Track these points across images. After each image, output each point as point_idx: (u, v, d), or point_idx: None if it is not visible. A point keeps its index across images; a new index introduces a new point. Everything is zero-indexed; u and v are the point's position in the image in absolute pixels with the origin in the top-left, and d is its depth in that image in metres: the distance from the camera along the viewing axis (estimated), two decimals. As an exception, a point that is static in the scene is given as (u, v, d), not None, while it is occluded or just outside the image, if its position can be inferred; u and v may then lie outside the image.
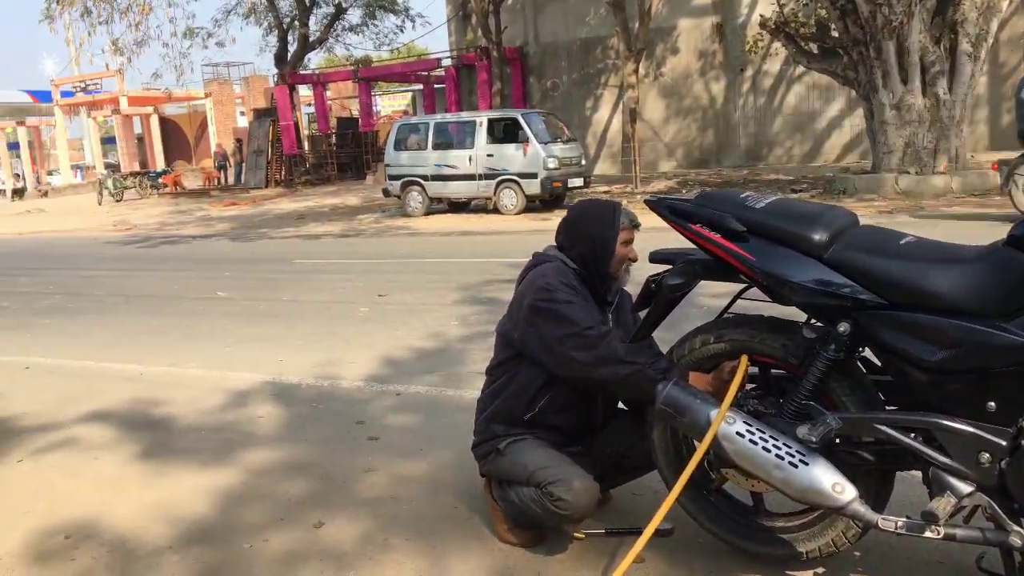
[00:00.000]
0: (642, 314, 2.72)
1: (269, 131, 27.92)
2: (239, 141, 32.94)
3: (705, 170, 21.30)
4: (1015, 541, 2.04)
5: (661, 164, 22.60)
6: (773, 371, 2.54)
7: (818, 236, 2.26)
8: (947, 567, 2.55)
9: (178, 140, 44.35)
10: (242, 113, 41.06)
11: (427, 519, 3.12)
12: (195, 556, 2.94)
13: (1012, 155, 10.59)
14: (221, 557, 2.92)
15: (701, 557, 2.72)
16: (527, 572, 2.71)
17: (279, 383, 5.07)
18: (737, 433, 2.32)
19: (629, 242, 2.85)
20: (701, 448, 2.36)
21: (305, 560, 2.87)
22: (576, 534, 2.89)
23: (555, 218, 14.22)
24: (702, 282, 2.58)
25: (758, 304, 2.56)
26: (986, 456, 2.08)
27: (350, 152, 29.04)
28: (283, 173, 28.24)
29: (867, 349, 2.37)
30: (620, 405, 3.01)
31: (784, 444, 2.28)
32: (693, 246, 2.55)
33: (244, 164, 30.19)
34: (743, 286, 2.59)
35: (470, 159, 15.55)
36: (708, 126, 22.30)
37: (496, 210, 15.42)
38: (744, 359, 2.43)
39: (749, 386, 2.62)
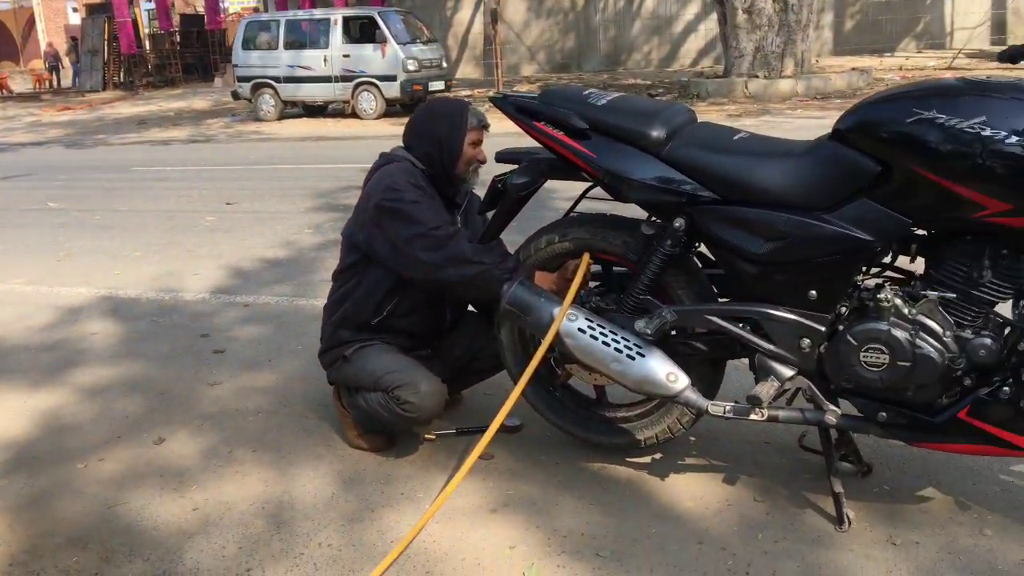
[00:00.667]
0: (490, 215, 2.70)
1: (104, 28, 25.77)
2: (73, 40, 30.31)
3: (566, 74, 21.29)
4: (830, 419, 2.17)
5: (523, 68, 22.41)
6: (615, 268, 2.58)
7: (656, 133, 2.27)
8: (772, 447, 2.71)
9: (3, 39, 40.41)
10: (74, 9, 37.65)
11: (274, 430, 3.05)
12: (24, 481, 2.78)
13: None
14: (52, 480, 2.77)
15: (547, 450, 2.79)
16: (377, 475, 2.71)
17: (115, 297, 4.80)
18: (579, 329, 2.35)
19: (478, 143, 2.78)
20: (543, 345, 2.38)
21: (143, 477, 2.76)
22: (426, 435, 2.90)
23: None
24: (555, 183, 2.57)
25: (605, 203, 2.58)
26: (807, 342, 2.19)
27: (196, 52, 27.30)
28: (122, 75, 26.30)
29: (702, 244, 2.44)
30: (469, 307, 3.01)
31: (623, 338, 2.33)
32: (539, 145, 2.52)
33: (79, 65, 27.86)
34: (587, 186, 2.60)
35: (325, 60, 14.90)
36: (569, 29, 22.18)
37: (355, 114, 14.93)
38: (586, 257, 2.44)
39: (593, 284, 2.66)
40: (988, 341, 2.00)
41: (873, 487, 2.45)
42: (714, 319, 2.28)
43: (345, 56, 14.81)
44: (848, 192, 2.07)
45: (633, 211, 2.38)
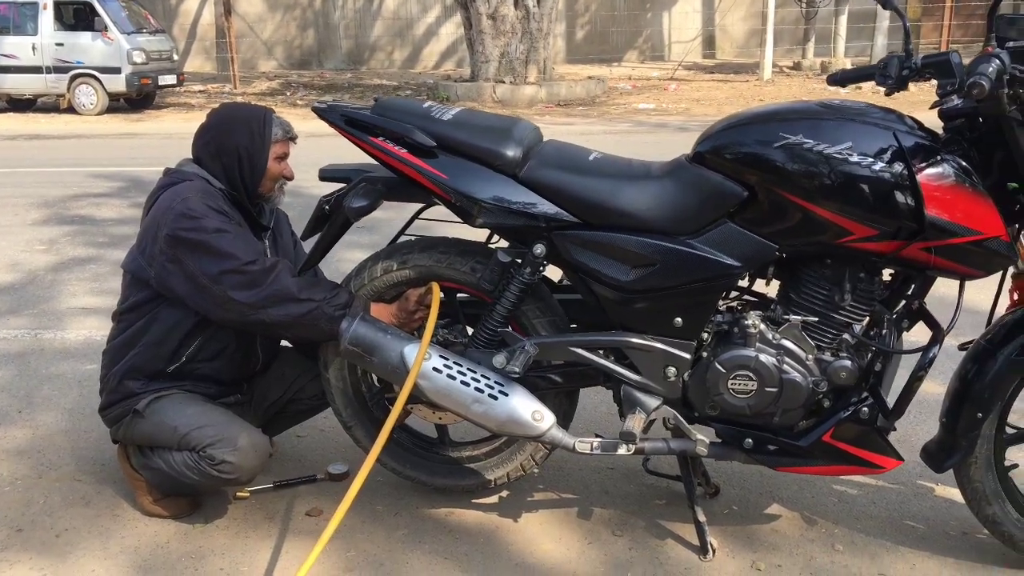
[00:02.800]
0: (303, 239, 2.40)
1: None
2: None
3: (307, 71, 20.52)
4: (700, 450, 2.12)
5: (260, 63, 21.30)
6: (459, 296, 2.37)
7: (511, 152, 2.09)
8: (618, 472, 2.64)
9: None
10: None
11: (41, 502, 2.51)
12: None
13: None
14: None
15: (382, 499, 2.52)
16: (185, 549, 2.30)
17: None
18: (434, 369, 2.11)
19: (284, 157, 2.45)
20: (405, 389, 2.11)
21: None
22: (239, 493, 2.52)
23: (147, 119, 12.76)
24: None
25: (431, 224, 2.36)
26: (672, 370, 2.12)
27: None
28: None
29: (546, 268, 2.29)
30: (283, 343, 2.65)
31: (483, 376, 2.13)
32: (368, 161, 2.25)
33: None
34: (420, 206, 2.37)
35: (34, 48, 13.14)
36: (308, 26, 21.40)
37: (72, 109, 13.33)
38: (435, 287, 2.21)
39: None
40: (848, 363, 2.04)
41: (723, 508, 2.45)
42: (579, 351, 2.14)
43: (58, 44, 13.15)
44: (713, 217, 2.02)
45: (471, 233, 2.19)
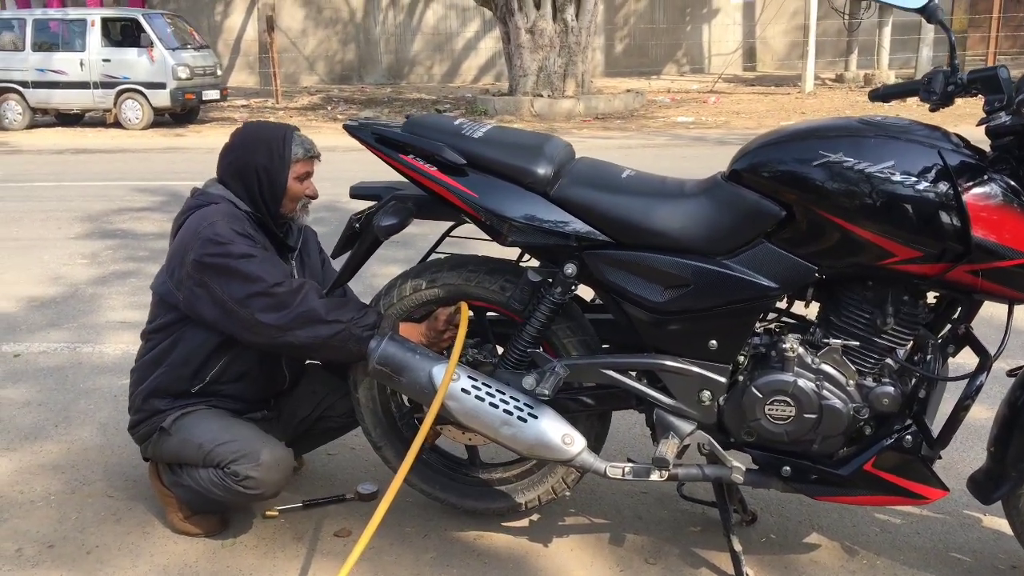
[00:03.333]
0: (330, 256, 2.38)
1: None
2: None
3: (348, 86, 20.74)
4: (736, 477, 2.05)
5: (302, 78, 21.59)
6: (489, 315, 2.34)
7: (543, 170, 2.05)
8: (651, 497, 2.58)
9: None
10: None
11: (73, 518, 2.52)
12: None
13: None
14: None
15: (411, 521, 2.48)
16: (213, 568, 2.29)
17: None
18: (462, 390, 2.08)
19: (306, 176, 2.41)
20: (432, 410, 2.08)
21: (-99, 601, 2.16)
22: (268, 512, 2.50)
23: (190, 134, 12.95)
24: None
25: (463, 242, 2.33)
26: (707, 394, 2.06)
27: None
28: None
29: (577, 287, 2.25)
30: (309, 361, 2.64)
31: (512, 398, 2.09)
32: (399, 178, 2.22)
33: None
34: (450, 224, 2.34)
35: (82, 64, 13.43)
36: (349, 41, 21.65)
37: (118, 124, 13.60)
38: (464, 306, 2.18)
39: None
40: (890, 389, 1.96)
41: (760, 537, 2.38)
42: (610, 373, 2.09)
43: (105, 60, 13.43)
44: (750, 237, 1.97)
45: (501, 251, 2.16)
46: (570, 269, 2.06)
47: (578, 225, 2.04)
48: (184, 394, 2.37)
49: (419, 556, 2.32)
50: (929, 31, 15.52)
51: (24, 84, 13.58)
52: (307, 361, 2.59)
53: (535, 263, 2.20)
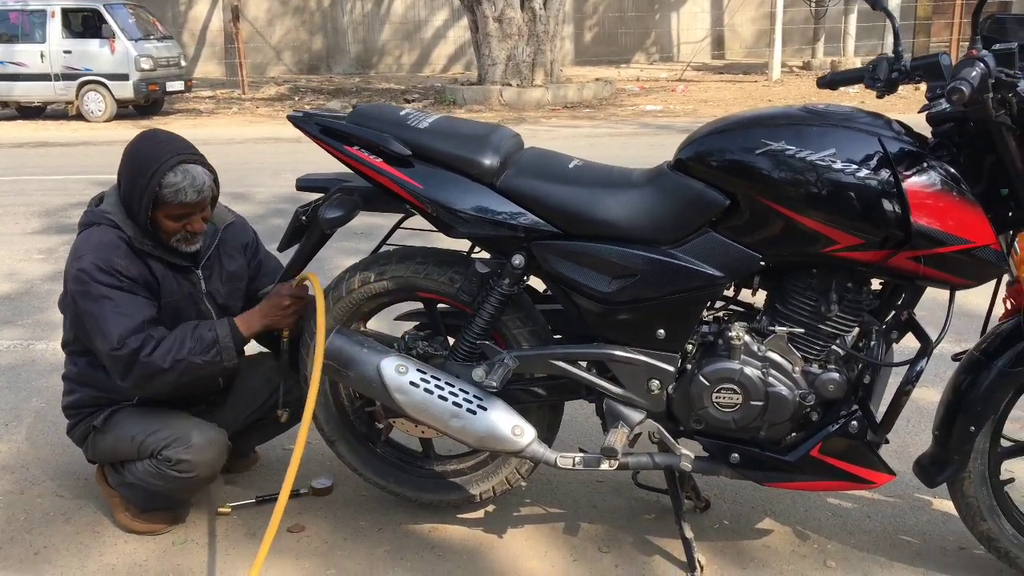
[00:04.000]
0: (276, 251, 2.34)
1: None
2: None
3: (316, 76, 20.56)
4: (685, 465, 2.06)
5: (270, 68, 21.36)
6: (440, 307, 2.32)
7: (488, 161, 2.04)
8: (607, 486, 2.58)
9: None
10: None
11: (22, 518, 2.48)
12: None
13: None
14: None
15: (365, 514, 2.47)
16: (164, 567, 2.26)
17: None
18: (411, 383, 2.07)
19: (184, 216, 2.22)
20: (314, 376, 2.14)
21: None
22: (220, 509, 2.48)
23: (155, 126, 12.72)
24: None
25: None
26: (656, 383, 2.06)
27: None
28: None
29: (530, 278, 2.24)
30: (260, 348, 2.61)
31: (460, 390, 2.08)
32: (346, 170, 2.20)
33: None
34: (400, 216, 2.32)
35: (42, 55, 13.19)
36: (316, 30, 21.44)
37: (80, 116, 13.38)
38: (312, 276, 2.25)
39: (411, 325, 2.39)
40: (836, 375, 1.97)
41: (713, 523, 2.39)
42: (560, 364, 2.09)
43: (66, 52, 13.21)
44: (695, 226, 1.97)
45: (451, 243, 2.14)
46: (518, 260, 2.05)
47: (525, 216, 2.03)
48: (113, 401, 2.34)
49: (373, 550, 2.31)
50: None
51: (-17, 76, 13.32)
52: (251, 354, 2.58)
53: (485, 254, 2.19)
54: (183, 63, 14.87)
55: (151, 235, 2.23)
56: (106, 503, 2.47)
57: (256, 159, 8.86)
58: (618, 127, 11.05)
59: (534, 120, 12.15)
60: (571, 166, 2.12)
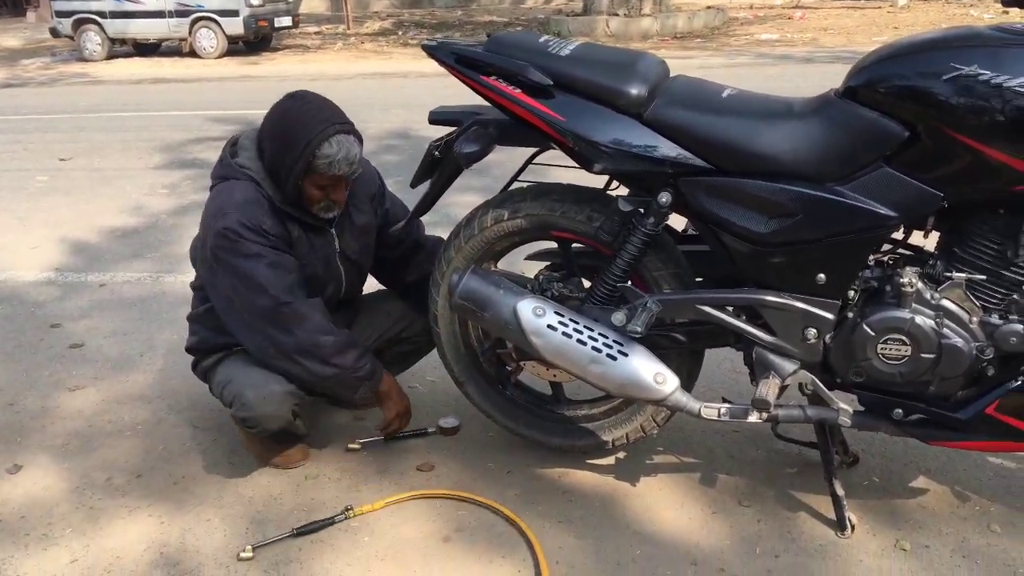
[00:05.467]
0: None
1: None
2: None
3: (419, 10, 20.44)
4: (844, 420, 1.92)
5: (372, 3, 21.33)
6: (574, 247, 2.22)
7: (636, 91, 1.89)
8: (743, 436, 2.46)
9: None
10: None
11: (160, 447, 2.54)
12: None
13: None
14: None
15: (494, 456, 2.43)
16: (297, 502, 2.27)
17: (-65, 281, 4.01)
18: (548, 326, 1.98)
19: (330, 185, 2.16)
20: None
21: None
22: (350, 444, 2.48)
23: (264, 62, 12.96)
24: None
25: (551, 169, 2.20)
26: (812, 332, 1.91)
27: (0, -17, 24.42)
28: (-87, 7, 23.21)
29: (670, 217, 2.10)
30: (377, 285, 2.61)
31: (600, 335, 1.98)
32: (480, 102, 2.09)
33: None
34: (535, 149, 2.21)
35: (156, -7, 13.51)
36: (419, -38, 21.24)
37: (193, 53, 13.68)
38: None
39: (545, 265, 2.29)
40: (1019, 327, 1.78)
41: (863, 480, 2.25)
42: (706, 309, 1.96)
43: (180, -11, 13.48)
44: (867, 160, 1.78)
45: (585, 179, 2.02)
46: (664, 198, 1.92)
47: (674, 150, 1.88)
48: (228, 345, 2.33)
49: (503, 492, 2.26)
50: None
51: (102, 15, 13.75)
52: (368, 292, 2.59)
53: (624, 191, 2.06)
54: (290, -1, 14.97)
55: (293, 199, 2.18)
56: (239, 435, 2.50)
57: (364, 95, 8.86)
58: (732, 58, 10.58)
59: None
60: (724, 95, 1.95)
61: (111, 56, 14.00)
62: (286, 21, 14.37)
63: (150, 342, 3.25)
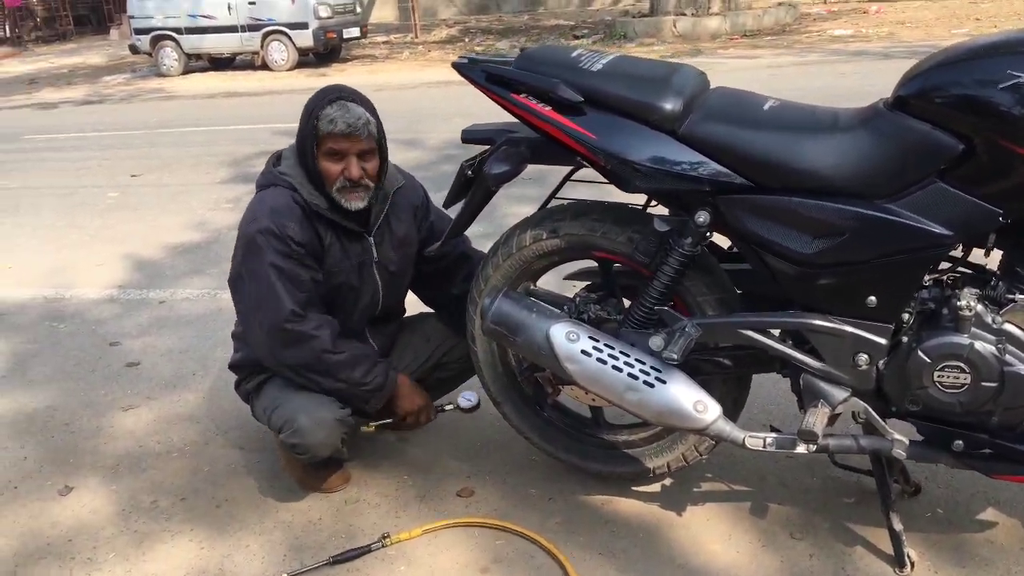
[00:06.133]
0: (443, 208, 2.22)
1: (-17, -21, 23.71)
2: (-54, -8, 27.89)
3: (486, 16, 20.50)
4: (899, 452, 1.80)
5: (440, 10, 21.50)
6: (616, 267, 2.14)
7: (670, 105, 1.81)
8: (798, 462, 2.34)
9: None
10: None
11: (206, 470, 2.55)
12: None
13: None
14: (-73, 559, 2.23)
15: (535, 482, 2.36)
16: (337, 527, 2.25)
17: (1, 299, 4.14)
18: (583, 352, 1.91)
19: (337, 155, 2.12)
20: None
21: (48, 546, 2.24)
22: (364, 428, 2.38)
23: (333, 73, 13.16)
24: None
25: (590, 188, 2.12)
26: (864, 357, 1.80)
27: (88, 2, 25.45)
28: (7, 29, 24.34)
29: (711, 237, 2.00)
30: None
31: (637, 360, 1.90)
32: (514, 120, 2.04)
33: (-44, 20, 25.64)
34: (571, 168, 2.14)
35: (229, 7, 13.84)
36: (486, -32, 21.32)
37: (265, 66, 13.99)
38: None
39: (583, 285, 2.22)
40: (1091, 353, 1.64)
41: (925, 511, 2.11)
42: (749, 333, 1.86)
43: (251, 3, 13.78)
44: (919, 176, 1.66)
45: (627, 196, 1.94)
46: (702, 217, 1.83)
47: (712, 167, 1.79)
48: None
49: (544, 522, 2.20)
50: None
51: (178, 31, 14.16)
52: (408, 315, 2.58)
53: (664, 210, 1.98)
54: (358, 9, 15.19)
55: (321, 187, 2.16)
56: (280, 458, 2.49)
57: (427, 104, 8.90)
58: (804, 55, 10.27)
59: (711, 52, 11.54)
60: (766, 108, 1.85)
61: (187, 71, 14.41)
62: (354, 32, 14.57)
63: (203, 361, 3.28)
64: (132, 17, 14.61)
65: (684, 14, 13.50)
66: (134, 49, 14.88)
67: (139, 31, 14.45)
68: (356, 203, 2.17)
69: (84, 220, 5.52)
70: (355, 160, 2.13)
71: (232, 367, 2.44)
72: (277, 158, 2.30)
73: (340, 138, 2.10)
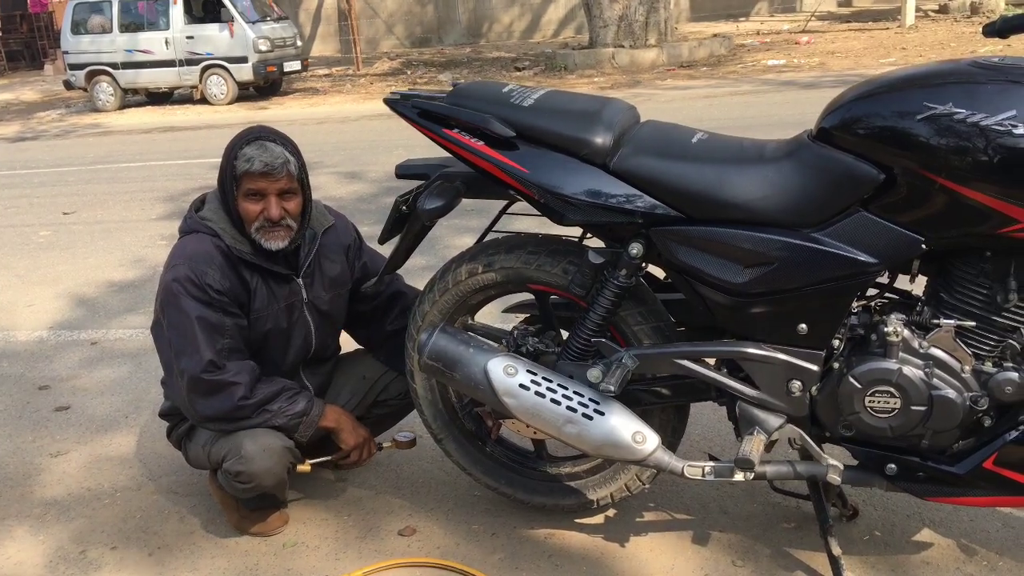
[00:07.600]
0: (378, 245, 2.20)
1: (-92, 13, 23.12)
2: None
3: (428, 48, 20.59)
4: (833, 477, 1.82)
5: (382, 43, 21.53)
6: (552, 299, 2.14)
7: (601, 139, 1.83)
8: (739, 489, 2.36)
9: None
10: None
11: (138, 516, 2.47)
12: None
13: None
14: None
15: (477, 517, 2.34)
16: (275, 569, 2.19)
17: (-71, 344, 3.99)
18: (520, 386, 1.90)
19: (255, 195, 2.10)
20: None
21: (-34, 608, 2.14)
22: (300, 467, 2.29)
23: (273, 106, 13.06)
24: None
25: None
26: (797, 384, 1.82)
27: (21, 38, 24.93)
28: (-65, 65, 23.73)
29: (649, 265, 2.02)
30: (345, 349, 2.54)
31: (575, 393, 1.90)
32: (448, 154, 2.04)
33: None
34: (507, 202, 2.15)
35: (167, 42, 13.66)
36: (427, 1, 21.45)
37: (204, 100, 13.83)
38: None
39: (521, 318, 2.22)
40: (1014, 375, 1.69)
41: (863, 534, 2.14)
42: (685, 363, 1.88)
43: (189, 38, 13.62)
44: (843, 205, 1.70)
45: (564, 228, 1.95)
46: (635, 249, 1.84)
47: (643, 200, 1.81)
48: None
49: (487, 557, 2.17)
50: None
51: (114, 66, 13.92)
52: (343, 352, 2.54)
53: (599, 242, 1.99)
54: (299, 43, 15.11)
55: (243, 230, 2.13)
56: (217, 502, 2.43)
57: (369, 136, 8.87)
58: (738, 85, 10.51)
59: (649, 83, 11.73)
60: (695, 140, 1.88)
61: (124, 106, 14.15)
62: (295, 65, 14.48)
63: (136, 402, 3.19)
64: (66, 52, 14.33)
65: (622, 46, 13.73)
66: (68, 85, 14.57)
67: (74, 66, 14.16)
68: (276, 243, 2.14)
69: (13, 260, 5.35)
70: (275, 200, 2.10)
71: (163, 415, 2.39)
72: (201, 203, 2.26)
73: (258, 177, 2.07)
